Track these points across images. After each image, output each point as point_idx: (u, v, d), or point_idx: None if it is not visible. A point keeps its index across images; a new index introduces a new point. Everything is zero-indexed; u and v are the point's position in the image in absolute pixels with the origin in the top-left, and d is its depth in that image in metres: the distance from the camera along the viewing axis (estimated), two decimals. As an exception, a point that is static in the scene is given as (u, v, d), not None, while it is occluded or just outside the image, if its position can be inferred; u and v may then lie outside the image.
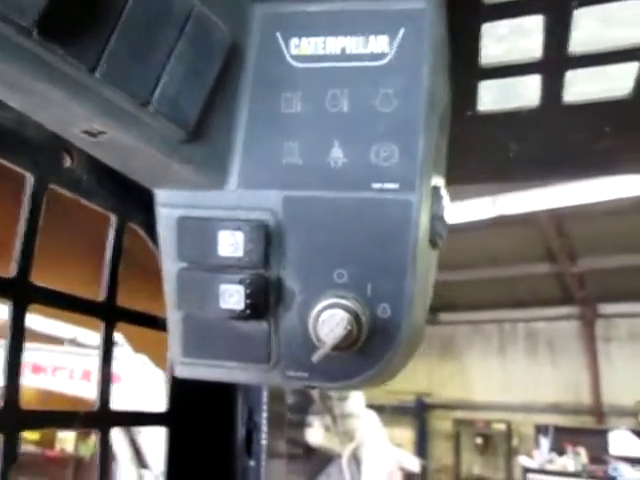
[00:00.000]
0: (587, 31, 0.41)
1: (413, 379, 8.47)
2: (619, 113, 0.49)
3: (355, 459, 4.37)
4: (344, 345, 0.35)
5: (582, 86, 0.48)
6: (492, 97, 0.51)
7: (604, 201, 5.43)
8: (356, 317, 0.35)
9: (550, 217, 6.03)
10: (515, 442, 7.47)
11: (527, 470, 5.94)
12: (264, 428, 0.51)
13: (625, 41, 0.42)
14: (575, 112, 0.49)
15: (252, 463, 0.50)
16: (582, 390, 7.38)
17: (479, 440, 7.87)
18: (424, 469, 8.26)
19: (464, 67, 0.44)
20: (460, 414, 8.22)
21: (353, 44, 0.36)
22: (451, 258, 6.88)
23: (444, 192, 0.42)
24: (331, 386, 0.38)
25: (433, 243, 0.41)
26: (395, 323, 0.37)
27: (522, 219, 5.91)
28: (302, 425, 4.31)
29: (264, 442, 0.51)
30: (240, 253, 0.37)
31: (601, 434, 6.12)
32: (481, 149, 0.54)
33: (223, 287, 0.37)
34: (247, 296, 0.36)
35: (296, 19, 0.37)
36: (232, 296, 0.37)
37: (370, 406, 5.99)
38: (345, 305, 0.36)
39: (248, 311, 0.37)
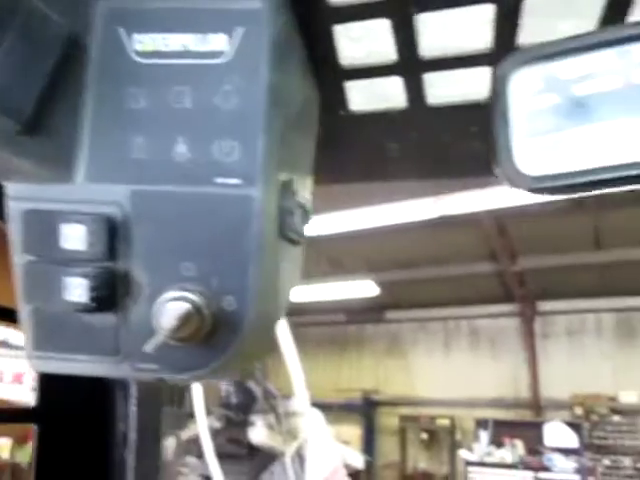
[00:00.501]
0: (436, 35, 0.43)
1: (360, 377, 8.58)
2: (483, 115, 0.51)
3: (299, 457, 4.39)
4: (185, 336, 0.36)
5: (443, 89, 0.50)
6: (363, 97, 0.52)
7: (543, 202, 5.63)
8: (197, 309, 0.36)
9: (492, 217, 6.21)
10: (459, 436, 7.67)
11: (468, 463, 6.12)
12: (133, 424, 0.51)
13: (473, 47, 0.44)
14: (441, 114, 0.51)
15: (127, 458, 0.50)
16: (521, 385, 7.66)
17: (424, 435, 8.05)
18: (371, 465, 8.38)
19: (326, 67, 0.45)
20: (406, 410, 8.37)
21: (193, 41, 0.37)
22: (397, 257, 7.01)
23: (300, 187, 0.43)
24: (180, 378, 0.39)
25: (288, 238, 0.42)
26: (240, 316, 0.37)
27: (465, 219, 6.06)
28: (245, 424, 4.29)
29: (133, 437, 0.51)
30: (83, 246, 0.37)
31: (537, 426, 6.38)
32: (357, 148, 0.56)
33: (67, 280, 0.37)
34: (91, 289, 0.37)
35: (138, 15, 0.37)
36: (76, 289, 0.37)
37: (317, 405, 6.03)
38: (187, 297, 0.36)
39: (93, 304, 0.37)
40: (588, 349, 7.33)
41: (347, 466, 5.17)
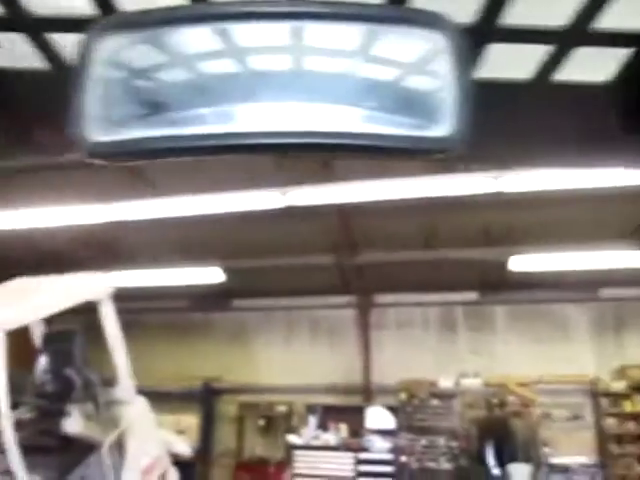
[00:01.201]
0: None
1: (203, 365, 8.46)
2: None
3: (120, 447, 4.19)
4: None
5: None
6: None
7: (385, 200, 5.95)
8: None
9: (336, 211, 6.46)
10: (295, 422, 7.90)
11: (293, 447, 6.35)
12: None
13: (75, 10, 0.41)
14: None
15: None
16: (355, 372, 8.11)
17: (262, 422, 8.17)
18: (206, 453, 8.31)
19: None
20: (247, 398, 8.43)
21: None
22: (244, 245, 7.01)
23: None
24: None
25: None
26: None
27: (311, 212, 6.22)
28: (61, 414, 3.99)
29: None
30: None
31: (361, 411, 6.81)
32: None
33: None
34: None
35: None
36: None
37: (156, 393, 5.82)
38: None
39: None
40: (415, 339, 7.97)
41: (172, 454, 5.03)
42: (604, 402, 6.88)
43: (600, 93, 0.49)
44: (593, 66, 0.49)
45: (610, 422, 6.84)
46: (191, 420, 8.37)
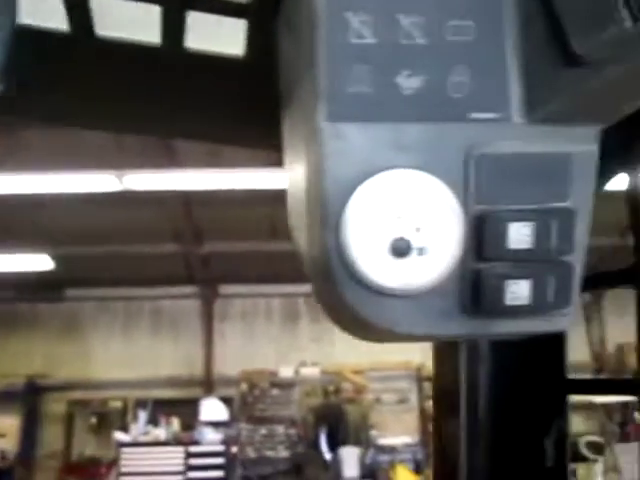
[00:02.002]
0: None
1: (27, 361, 7.73)
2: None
3: None
4: None
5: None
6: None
7: (229, 190, 5.87)
8: None
9: (178, 199, 6.25)
10: (130, 418, 7.54)
11: (121, 445, 6.07)
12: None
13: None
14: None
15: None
16: (197, 364, 7.96)
17: (94, 420, 7.68)
18: (28, 457, 7.61)
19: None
20: (79, 394, 7.86)
21: None
22: (76, 231, 6.50)
23: None
24: None
25: None
26: None
27: (150, 197, 5.95)
28: None
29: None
30: None
31: (195, 403, 6.71)
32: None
33: None
34: None
35: None
36: None
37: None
38: None
39: None
40: (258, 330, 8.02)
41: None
42: (427, 386, 7.50)
43: (240, 67, 0.47)
44: (228, 37, 0.46)
45: (431, 404, 7.48)
46: (12, 422, 7.62)
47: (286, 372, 7.51)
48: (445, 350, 0.63)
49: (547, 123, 0.38)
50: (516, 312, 0.38)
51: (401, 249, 0.37)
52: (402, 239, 0.37)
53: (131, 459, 6.14)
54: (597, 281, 0.52)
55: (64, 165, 5.34)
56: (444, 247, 0.38)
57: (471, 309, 0.38)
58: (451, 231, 0.38)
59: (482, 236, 0.37)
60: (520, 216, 0.37)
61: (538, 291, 0.37)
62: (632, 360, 7.58)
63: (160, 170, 5.63)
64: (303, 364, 7.61)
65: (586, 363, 7.21)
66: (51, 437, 7.86)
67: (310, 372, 7.54)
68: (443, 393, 0.64)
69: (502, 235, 0.37)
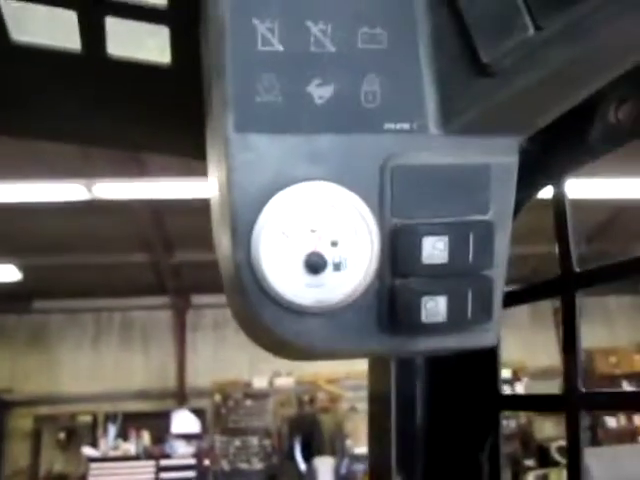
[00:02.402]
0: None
1: (-8, 375, 7.50)
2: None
3: None
4: None
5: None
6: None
7: (201, 199, 5.81)
8: None
9: (147, 208, 6.16)
10: (99, 432, 7.36)
11: (90, 460, 5.92)
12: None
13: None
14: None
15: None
16: (169, 376, 7.82)
17: (62, 435, 7.48)
18: (-7, 475, 7.36)
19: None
20: (45, 409, 7.64)
21: None
22: (44, 241, 6.35)
23: None
24: None
25: None
26: None
27: (119, 207, 5.86)
28: None
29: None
30: None
31: (166, 416, 6.59)
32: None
33: None
34: None
35: None
36: None
37: None
38: None
39: None
40: (230, 341, 7.93)
41: None
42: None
43: (167, 75, 0.45)
44: (153, 44, 0.45)
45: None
46: (-25, 439, 7.37)
47: (260, 382, 7.44)
48: (377, 364, 0.61)
49: (464, 134, 0.37)
50: (434, 329, 0.37)
51: (316, 264, 0.36)
52: (317, 254, 0.36)
53: (100, 475, 5.99)
54: (522, 295, 0.51)
55: (31, 174, 5.23)
56: (360, 262, 0.36)
57: (388, 326, 0.37)
58: (367, 245, 0.36)
59: (397, 250, 0.36)
60: (435, 230, 0.36)
61: (455, 307, 0.36)
62: (600, 365, 7.72)
63: (129, 179, 5.55)
64: (277, 374, 7.55)
65: (557, 368, 7.30)
66: (18, 454, 7.62)
67: (284, 382, 7.48)
68: (377, 408, 0.62)
69: (417, 249, 0.36)
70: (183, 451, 6.10)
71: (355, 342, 0.37)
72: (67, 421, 7.56)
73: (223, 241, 0.40)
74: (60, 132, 0.53)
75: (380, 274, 0.37)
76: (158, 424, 6.40)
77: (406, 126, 0.37)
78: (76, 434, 7.55)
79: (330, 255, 0.36)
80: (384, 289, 0.37)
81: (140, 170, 5.57)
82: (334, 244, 0.36)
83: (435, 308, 0.36)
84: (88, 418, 7.54)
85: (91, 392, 7.54)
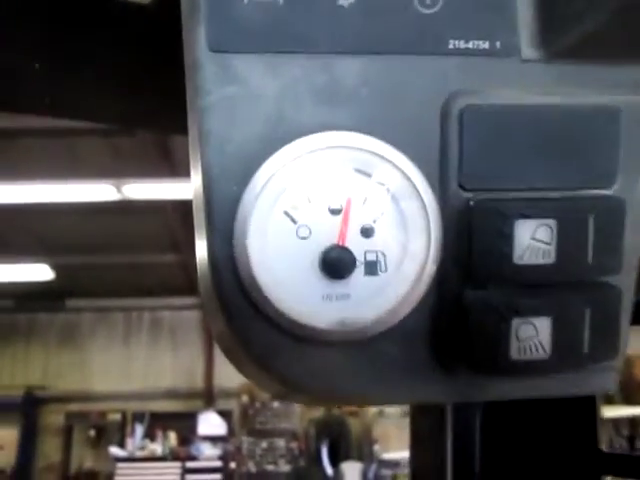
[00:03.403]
0: None
1: (25, 372, 7.63)
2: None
3: None
4: None
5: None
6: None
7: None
8: None
9: (178, 208, 6.17)
10: (128, 431, 7.42)
11: (117, 459, 5.95)
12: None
13: None
14: None
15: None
16: (197, 376, 7.83)
17: (92, 432, 7.57)
18: (26, 470, 7.50)
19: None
20: (77, 407, 7.75)
21: None
22: (76, 240, 6.43)
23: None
24: None
25: None
26: None
27: (148, 207, 5.89)
28: None
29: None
30: None
31: (193, 417, 6.58)
32: None
33: None
34: None
35: None
36: None
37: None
38: None
39: None
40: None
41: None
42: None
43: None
44: None
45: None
46: (10, 434, 7.52)
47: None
48: (422, 413, 0.48)
49: (578, 60, 0.24)
50: (529, 369, 0.24)
51: (338, 264, 0.24)
52: (339, 248, 0.24)
53: (127, 475, 6.02)
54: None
55: (63, 174, 5.29)
56: (408, 261, 0.24)
57: (451, 364, 0.25)
58: (419, 235, 0.24)
59: (471, 243, 0.23)
60: (534, 209, 0.23)
61: (565, 335, 0.23)
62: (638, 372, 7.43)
63: (159, 179, 5.56)
64: (304, 376, 7.48)
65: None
66: (49, 449, 7.75)
67: (312, 384, 7.40)
68: (423, 473, 0.48)
69: (503, 242, 0.23)
70: (209, 453, 6.08)
71: (400, 386, 0.25)
72: (97, 419, 7.64)
73: (197, 232, 0.29)
74: (42, 104, 0.45)
75: (441, 281, 0.24)
76: (185, 425, 6.40)
77: (484, 45, 0.24)
78: (106, 432, 7.63)
79: (360, 250, 0.24)
80: (447, 305, 0.25)
81: (170, 170, 5.58)
82: (366, 233, 0.24)
83: (533, 337, 0.23)
84: (117, 416, 7.61)
85: (121, 390, 7.61)
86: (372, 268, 0.24)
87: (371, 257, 0.24)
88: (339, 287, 0.24)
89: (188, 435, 6.41)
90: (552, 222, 0.23)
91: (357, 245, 0.24)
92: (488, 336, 0.23)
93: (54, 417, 7.75)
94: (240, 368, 0.30)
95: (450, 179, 0.24)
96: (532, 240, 0.23)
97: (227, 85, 0.23)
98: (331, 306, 0.24)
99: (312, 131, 0.23)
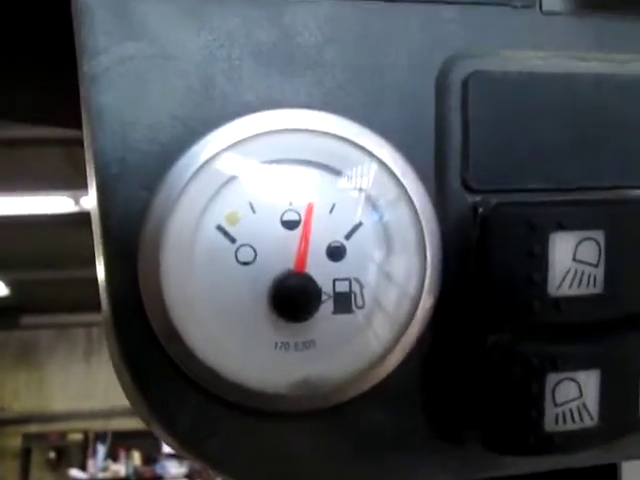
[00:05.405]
0: None
1: (-20, 393, 7.32)
2: None
3: None
4: None
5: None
6: None
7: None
8: None
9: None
10: (90, 452, 7.17)
11: None
12: None
13: None
14: None
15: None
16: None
17: (52, 454, 7.28)
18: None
19: None
20: (35, 428, 7.46)
21: None
22: (33, 256, 6.21)
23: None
24: None
25: None
26: None
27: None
28: None
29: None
30: None
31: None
32: None
33: None
34: None
35: None
36: None
37: None
38: None
39: None
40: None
41: None
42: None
43: None
44: None
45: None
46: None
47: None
48: None
49: (612, 12, 0.18)
50: (569, 444, 0.17)
51: (296, 299, 0.17)
52: (298, 276, 0.17)
53: (88, 499, 5.81)
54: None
55: (16, 186, 5.10)
56: (390, 294, 0.18)
57: (457, 434, 0.18)
58: (407, 256, 0.18)
59: (484, 266, 0.17)
60: (575, 219, 0.16)
61: (617, 393, 0.17)
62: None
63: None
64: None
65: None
66: (6, 474, 7.43)
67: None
68: None
69: (535, 264, 0.16)
70: (175, 472, 5.93)
71: (386, 466, 0.19)
72: (57, 440, 7.37)
73: (97, 254, 0.23)
74: None
75: (442, 320, 0.18)
76: (149, 443, 6.23)
77: None
78: (66, 453, 7.35)
79: (327, 278, 0.18)
80: (450, 355, 0.18)
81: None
82: (335, 254, 0.18)
83: (576, 399, 0.17)
84: (79, 436, 7.35)
85: (81, 409, 7.36)
86: (344, 303, 0.17)
87: (342, 288, 0.17)
88: (299, 332, 0.18)
89: (153, 454, 6.24)
90: (599, 234, 0.16)
91: (322, 271, 0.18)
92: (512, 400, 0.16)
93: (11, 440, 7.43)
94: (173, 447, 0.22)
95: (450, 176, 0.18)
96: (574, 262, 0.16)
97: (127, 40, 0.17)
98: (288, 360, 0.18)
99: (254, 109, 0.17)
